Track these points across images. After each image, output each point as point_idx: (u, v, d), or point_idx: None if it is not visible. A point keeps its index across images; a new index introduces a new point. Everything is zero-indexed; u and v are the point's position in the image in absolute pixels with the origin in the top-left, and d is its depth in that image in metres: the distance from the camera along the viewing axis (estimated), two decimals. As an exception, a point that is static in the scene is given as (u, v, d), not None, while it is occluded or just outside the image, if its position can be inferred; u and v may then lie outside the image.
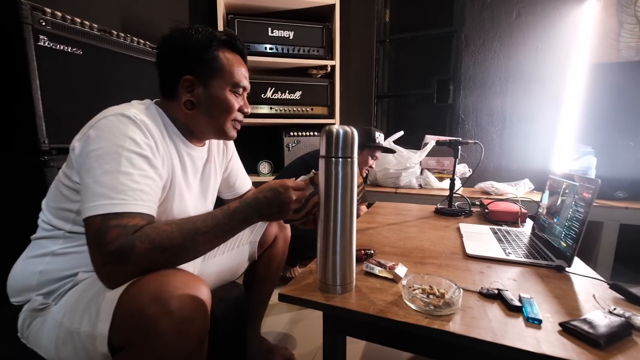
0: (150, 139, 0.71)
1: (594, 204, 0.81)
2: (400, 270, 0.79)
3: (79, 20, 1.18)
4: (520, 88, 2.36)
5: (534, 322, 0.60)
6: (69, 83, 1.17)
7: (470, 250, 0.96)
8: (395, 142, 2.34)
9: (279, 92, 2.25)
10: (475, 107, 2.50)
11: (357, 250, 0.76)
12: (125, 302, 0.58)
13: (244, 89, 0.86)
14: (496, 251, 0.95)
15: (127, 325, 0.58)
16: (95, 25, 1.24)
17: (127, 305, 0.58)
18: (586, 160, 1.95)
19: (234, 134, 0.88)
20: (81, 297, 0.66)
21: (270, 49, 2.21)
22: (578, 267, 0.86)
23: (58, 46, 1.12)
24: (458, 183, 1.52)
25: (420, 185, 2.40)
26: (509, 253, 0.94)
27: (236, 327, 0.99)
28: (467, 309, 0.64)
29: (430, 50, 2.75)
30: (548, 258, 0.89)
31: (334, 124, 2.35)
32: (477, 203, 1.51)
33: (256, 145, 2.59)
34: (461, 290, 0.65)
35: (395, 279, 0.76)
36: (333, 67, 2.35)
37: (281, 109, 2.27)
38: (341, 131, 0.67)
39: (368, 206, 1.89)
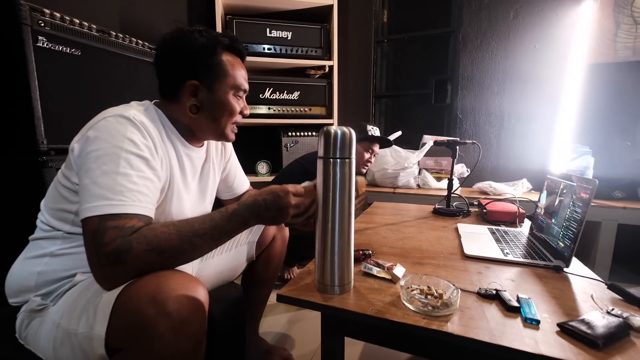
0: (149, 140, 0.71)
1: (592, 204, 0.81)
2: (399, 270, 0.79)
3: (77, 21, 1.18)
4: (518, 88, 2.37)
5: (532, 323, 0.60)
6: (67, 84, 1.17)
7: (469, 250, 0.96)
8: (394, 142, 2.34)
9: (277, 93, 2.25)
10: (473, 107, 2.50)
11: (355, 251, 0.76)
12: (122, 303, 0.58)
13: (245, 91, 0.87)
14: (494, 251, 0.96)
15: (124, 327, 0.58)
16: (94, 26, 1.24)
17: (124, 307, 0.58)
18: (584, 160, 1.96)
19: (233, 136, 0.89)
20: (79, 299, 0.66)
21: (269, 49, 2.21)
22: (576, 268, 0.86)
23: (57, 47, 1.12)
24: (456, 183, 1.52)
25: (418, 185, 2.40)
26: (507, 253, 0.94)
27: (234, 328, 0.99)
28: (465, 310, 0.64)
29: (428, 50, 2.75)
30: (546, 258, 0.90)
31: (332, 124, 2.35)
32: (475, 203, 1.51)
33: (254, 146, 2.59)
34: (459, 290, 0.65)
35: (394, 280, 0.76)
36: (331, 67, 2.35)
37: (279, 109, 2.27)
38: (339, 132, 0.67)
39: (366, 206, 1.88)
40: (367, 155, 1.81)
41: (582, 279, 0.80)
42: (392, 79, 2.94)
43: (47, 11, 1.09)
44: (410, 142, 2.55)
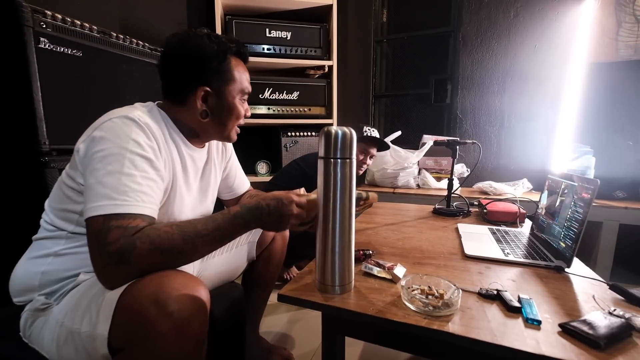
0: (154, 141, 0.72)
1: (593, 204, 0.81)
2: (399, 270, 0.79)
3: (78, 22, 1.19)
4: (519, 88, 2.37)
5: (534, 323, 0.60)
6: (69, 85, 1.17)
7: (469, 250, 0.96)
8: (393, 142, 2.35)
9: (277, 93, 2.25)
10: (473, 107, 2.50)
11: (355, 251, 0.76)
12: (124, 303, 0.58)
13: (249, 93, 0.88)
14: (495, 251, 0.95)
15: (127, 326, 0.58)
16: (95, 27, 1.25)
17: (127, 306, 0.58)
18: (585, 160, 1.96)
19: (236, 138, 0.91)
20: (82, 298, 0.66)
21: (268, 49, 2.21)
22: (577, 268, 0.86)
23: (58, 48, 1.13)
24: (456, 183, 1.52)
25: (418, 185, 2.40)
26: (507, 253, 0.94)
27: (235, 327, 0.99)
28: (466, 310, 0.64)
29: (427, 50, 2.75)
30: (547, 258, 0.89)
31: (332, 124, 2.35)
32: (476, 203, 1.51)
33: (254, 146, 2.59)
34: (460, 290, 0.65)
35: (394, 280, 0.77)
36: (330, 67, 2.35)
37: (279, 109, 2.27)
38: (340, 132, 0.67)
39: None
40: (361, 157, 1.80)
41: (583, 279, 0.80)
42: (392, 78, 2.94)
43: (49, 13, 1.10)
44: (410, 142, 2.55)
